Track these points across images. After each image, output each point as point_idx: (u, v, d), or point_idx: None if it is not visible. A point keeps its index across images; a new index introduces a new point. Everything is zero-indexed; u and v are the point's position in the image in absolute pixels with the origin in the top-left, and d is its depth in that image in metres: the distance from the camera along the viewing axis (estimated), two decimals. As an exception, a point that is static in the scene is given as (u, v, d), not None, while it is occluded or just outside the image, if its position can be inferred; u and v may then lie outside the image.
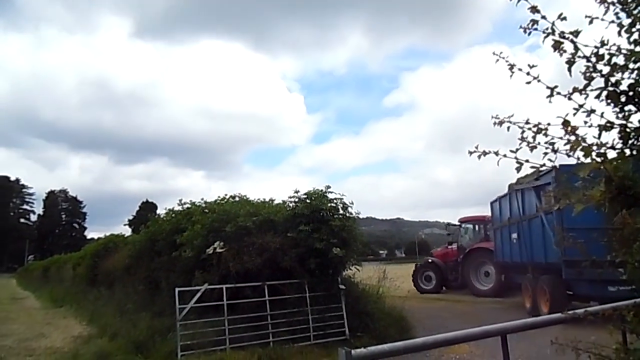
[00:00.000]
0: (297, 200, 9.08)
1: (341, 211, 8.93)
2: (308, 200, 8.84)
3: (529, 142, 1.73)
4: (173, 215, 10.32)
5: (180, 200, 10.40)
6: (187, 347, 6.91)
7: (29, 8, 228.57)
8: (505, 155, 1.77)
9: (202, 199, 10.14)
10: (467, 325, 6.10)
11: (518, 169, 1.77)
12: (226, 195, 10.02)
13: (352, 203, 9.10)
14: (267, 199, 10.13)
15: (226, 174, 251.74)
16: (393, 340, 3.32)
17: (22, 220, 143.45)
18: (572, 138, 1.62)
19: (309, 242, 8.20)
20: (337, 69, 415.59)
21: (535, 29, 1.74)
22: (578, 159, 1.63)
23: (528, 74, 1.80)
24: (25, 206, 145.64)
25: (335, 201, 8.91)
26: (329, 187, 9.04)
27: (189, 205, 10.15)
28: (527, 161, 1.75)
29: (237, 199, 9.90)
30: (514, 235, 12.52)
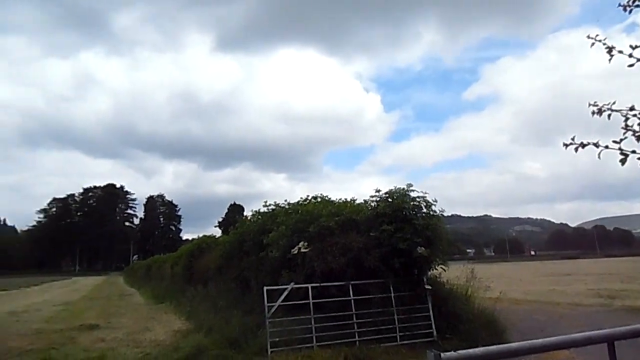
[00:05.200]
0: (378, 199, 9.01)
1: (424, 209, 8.72)
2: (390, 200, 8.75)
3: (635, 131, 1.57)
4: (259, 216, 10.70)
5: (265, 202, 10.76)
6: (276, 344, 7.15)
7: (125, 34, 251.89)
8: (607, 147, 1.62)
9: (286, 201, 10.43)
10: (567, 329, 5.67)
11: (623, 161, 1.61)
12: (308, 196, 10.21)
13: (436, 201, 8.86)
14: (348, 199, 10.17)
15: (307, 176, 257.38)
16: (484, 344, 3.18)
17: (127, 223, 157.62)
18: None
19: (392, 242, 8.10)
20: (413, 66, 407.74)
21: (638, 6, 1.57)
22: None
23: (631, 55, 1.63)
24: (129, 210, 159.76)
25: (417, 199, 8.72)
26: (410, 185, 8.87)
27: (274, 207, 10.46)
28: (633, 152, 1.59)
29: (319, 199, 10.05)
30: None
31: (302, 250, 8.31)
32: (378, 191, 9.04)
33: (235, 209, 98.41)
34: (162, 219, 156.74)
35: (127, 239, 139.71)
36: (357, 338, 7.51)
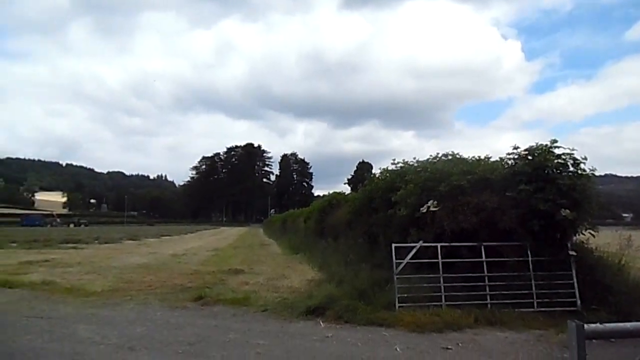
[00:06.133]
0: (516, 157, 8.34)
1: (571, 168, 7.85)
2: (529, 157, 8.03)
3: None
4: (387, 174, 10.71)
5: (394, 160, 10.71)
6: (404, 300, 7.25)
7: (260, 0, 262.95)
8: None
9: (415, 158, 10.23)
10: None
11: None
12: (438, 153, 9.86)
13: (585, 158, 7.88)
14: (481, 157, 9.58)
15: (437, 132, 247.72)
16: (638, 320, 2.83)
17: (264, 180, 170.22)
18: None
19: (531, 203, 7.50)
20: (563, 6, 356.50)
21: None
22: None
23: None
24: (266, 168, 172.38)
25: (563, 157, 7.86)
26: (555, 141, 8.01)
27: (402, 165, 10.36)
28: None
29: (449, 157, 9.66)
30: None
31: (432, 209, 8.15)
32: (516, 148, 8.35)
33: (364, 167, 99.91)
34: (295, 176, 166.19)
35: (265, 194, 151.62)
36: (488, 301, 7.25)
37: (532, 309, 7.10)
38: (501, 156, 8.86)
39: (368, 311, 7.07)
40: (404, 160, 10.49)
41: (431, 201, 8.23)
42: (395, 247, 7.71)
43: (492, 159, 9.23)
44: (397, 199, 8.95)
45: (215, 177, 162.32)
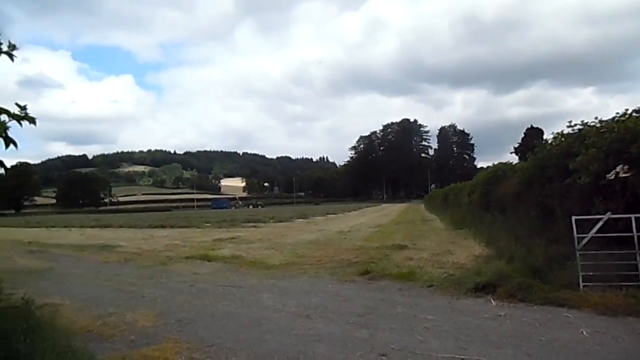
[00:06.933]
0: None
1: None
2: None
3: None
4: (562, 139, 9.57)
5: (569, 122, 9.49)
6: (589, 279, 6.45)
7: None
8: None
9: (596, 118, 8.88)
10: None
11: None
12: (627, 110, 8.38)
13: None
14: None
15: (624, 86, 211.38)
16: None
17: (422, 155, 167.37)
18: None
19: None
20: None
21: None
22: None
23: None
24: (423, 142, 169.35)
25: None
26: None
27: (580, 127, 9.12)
28: None
29: (643, 113, 8.14)
30: None
31: (621, 175, 7.02)
32: None
33: (533, 133, 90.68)
34: (455, 149, 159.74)
35: (424, 169, 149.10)
36: None
37: None
38: None
39: (545, 290, 6.48)
40: (582, 121, 9.21)
41: (620, 166, 7.09)
42: (575, 219, 6.85)
43: None
44: (575, 166, 7.94)
45: (374, 155, 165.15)
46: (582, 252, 6.64)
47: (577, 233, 6.75)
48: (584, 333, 5.01)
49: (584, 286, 6.45)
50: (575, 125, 9.31)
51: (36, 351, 3.58)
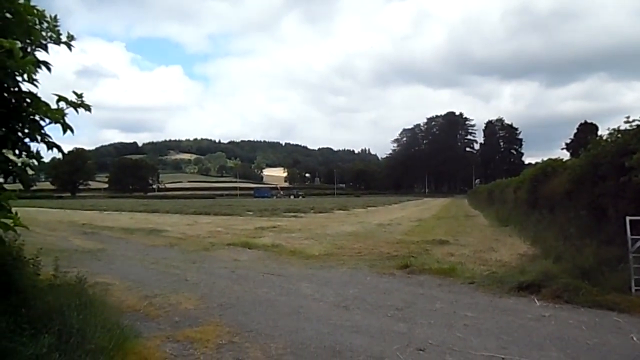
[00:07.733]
0: None
1: None
2: None
3: None
4: (619, 135, 9.07)
5: (627, 118, 8.95)
6: (643, 283, 6.14)
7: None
8: None
9: (658, 114, 8.37)
10: None
11: None
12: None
13: None
14: None
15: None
16: None
17: (467, 149, 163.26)
18: None
19: None
20: None
21: None
22: None
23: None
24: (469, 137, 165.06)
25: None
26: None
27: (639, 123, 8.62)
28: None
29: None
30: None
31: (683, 174, 6.60)
32: None
33: (586, 129, 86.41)
34: (502, 143, 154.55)
35: (468, 164, 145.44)
36: None
37: None
38: None
39: (594, 293, 6.22)
40: (642, 116, 8.70)
41: (682, 165, 6.67)
42: (630, 220, 6.52)
43: None
44: (632, 164, 7.51)
45: (416, 148, 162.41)
46: (636, 254, 6.32)
47: (631, 235, 6.42)
48: (635, 339, 4.78)
49: (636, 290, 6.15)
50: (634, 120, 8.80)
51: (88, 326, 3.82)
